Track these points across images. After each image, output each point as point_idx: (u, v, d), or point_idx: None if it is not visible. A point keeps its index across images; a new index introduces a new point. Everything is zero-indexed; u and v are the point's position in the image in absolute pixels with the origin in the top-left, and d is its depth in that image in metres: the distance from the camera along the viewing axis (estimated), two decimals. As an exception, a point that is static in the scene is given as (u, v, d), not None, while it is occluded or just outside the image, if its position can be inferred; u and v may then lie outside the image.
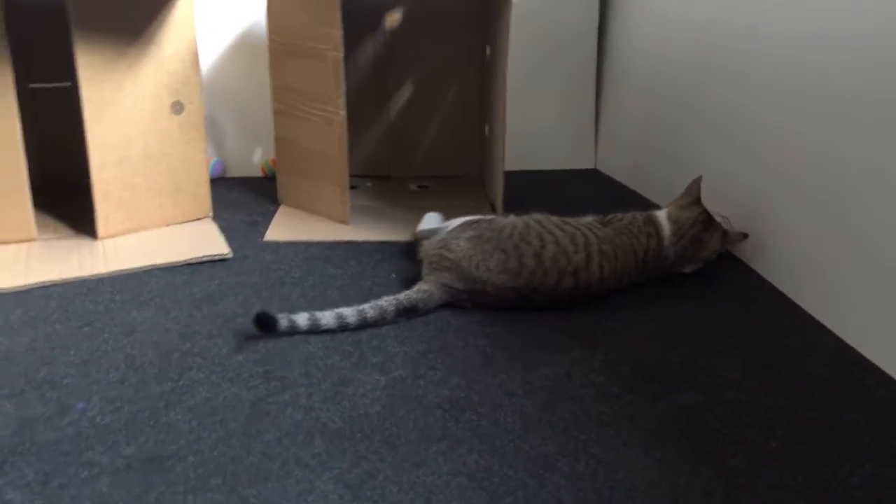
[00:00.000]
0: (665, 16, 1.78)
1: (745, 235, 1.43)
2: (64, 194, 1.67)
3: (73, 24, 1.37)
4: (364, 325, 1.20)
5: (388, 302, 1.22)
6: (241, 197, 1.81)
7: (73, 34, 1.37)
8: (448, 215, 1.45)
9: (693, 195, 1.41)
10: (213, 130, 1.95)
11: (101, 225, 1.48)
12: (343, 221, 1.63)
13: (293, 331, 1.17)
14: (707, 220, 1.39)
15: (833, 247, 1.23)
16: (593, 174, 2.06)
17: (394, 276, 1.39)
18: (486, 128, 1.85)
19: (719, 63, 1.56)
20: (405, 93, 1.96)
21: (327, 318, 1.18)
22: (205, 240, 1.51)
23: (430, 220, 1.49)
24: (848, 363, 1.13)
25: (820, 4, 1.25)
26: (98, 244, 1.47)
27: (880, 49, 1.12)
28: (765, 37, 1.40)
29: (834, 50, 1.21)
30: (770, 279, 1.40)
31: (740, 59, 1.49)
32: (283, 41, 1.63)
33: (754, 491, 0.86)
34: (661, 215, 1.40)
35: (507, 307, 1.26)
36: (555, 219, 1.34)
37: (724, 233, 1.41)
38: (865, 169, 1.15)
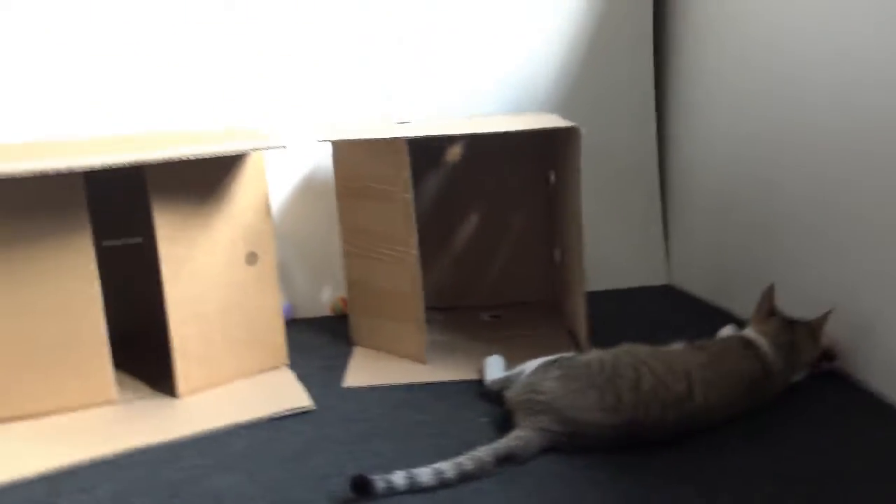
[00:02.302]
0: (723, 118, 1.76)
1: (829, 312, 1.36)
2: (135, 351, 1.67)
3: (150, 185, 1.39)
4: (463, 478, 1.13)
5: (485, 452, 1.15)
6: (314, 340, 1.78)
7: (151, 195, 1.40)
8: (527, 344, 1.40)
9: (767, 306, 1.37)
10: (282, 273, 1.95)
11: (182, 382, 1.46)
12: (420, 361, 1.59)
13: (390, 492, 1.10)
14: (789, 322, 1.35)
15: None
16: (667, 289, 2.00)
17: (484, 419, 1.33)
18: (557, 252, 1.82)
19: (791, 163, 1.53)
20: (470, 223, 1.96)
21: (425, 475, 1.12)
22: (285, 391, 1.47)
23: (496, 366, 1.45)
24: None
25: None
26: (178, 403, 1.44)
27: None
28: (830, 131, 1.37)
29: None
30: (892, 399, 1.30)
31: (815, 156, 1.45)
32: (350, 184, 1.64)
33: None
34: (752, 333, 1.34)
35: (609, 447, 1.19)
36: (645, 348, 1.29)
37: (807, 323, 1.35)
38: None
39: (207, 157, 1.39)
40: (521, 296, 1.96)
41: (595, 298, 1.93)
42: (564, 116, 1.64)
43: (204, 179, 1.47)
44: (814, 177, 1.49)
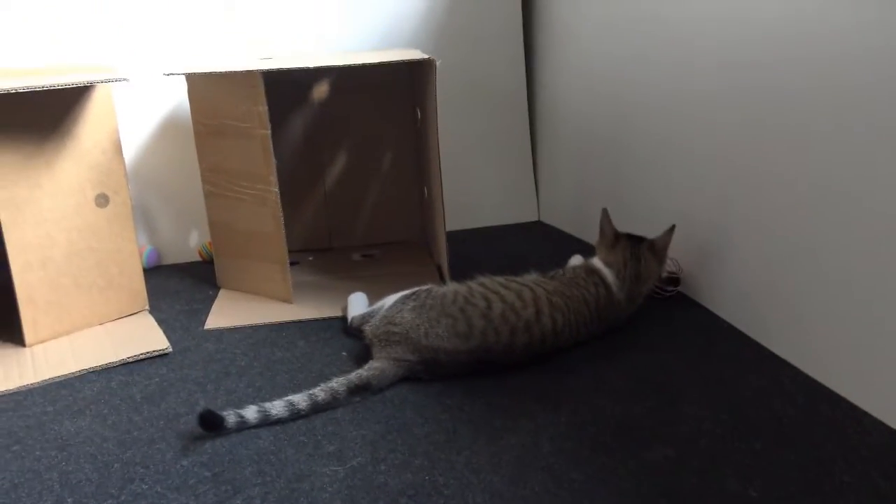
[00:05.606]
0: (591, 60, 1.79)
1: (672, 228, 1.39)
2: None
3: (-16, 124, 1.30)
4: (316, 409, 1.14)
5: (339, 383, 1.16)
6: (178, 285, 1.73)
7: (-15, 135, 1.31)
8: (395, 282, 1.41)
9: (609, 232, 1.40)
10: (145, 218, 1.88)
11: (29, 331, 1.39)
12: (287, 300, 1.57)
13: (242, 426, 1.10)
14: (636, 251, 1.37)
15: (789, 278, 1.22)
16: (537, 226, 2.05)
17: (344, 354, 1.33)
18: (425, 190, 1.82)
19: (646, 101, 1.57)
20: (340, 162, 1.93)
21: (277, 407, 1.12)
22: (142, 335, 1.43)
23: (359, 303, 1.46)
24: (816, 398, 1.11)
25: (736, 35, 1.26)
26: (26, 352, 1.38)
27: (808, 78, 1.13)
28: (689, 73, 1.42)
29: (766, 79, 1.23)
30: (726, 318, 1.38)
31: (666, 96, 1.50)
32: (207, 122, 1.59)
33: (741, 548, 0.82)
34: (597, 263, 1.38)
35: (463, 373, 1.22)
36: (498, 279, 1.32)
37: (652, 244, 1.39)
38: (815, 196, 1.15)
39: (46, 90, 1.30)
40: (394, 235, 1.96)
41: (469, 235, 1.97)
42: (435, 55, 1.62)
43: (44, 117, 1.38)
44: (654, 119, 1.55)
